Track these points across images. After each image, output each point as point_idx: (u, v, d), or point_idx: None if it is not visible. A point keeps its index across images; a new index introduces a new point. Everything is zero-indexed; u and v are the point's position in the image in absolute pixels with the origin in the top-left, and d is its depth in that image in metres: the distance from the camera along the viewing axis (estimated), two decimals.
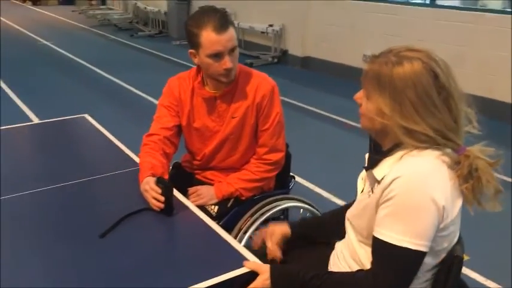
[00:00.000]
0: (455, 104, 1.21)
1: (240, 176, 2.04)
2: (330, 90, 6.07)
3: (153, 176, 1.74)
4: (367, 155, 1.42)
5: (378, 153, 1.32)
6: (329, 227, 1.67)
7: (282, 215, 2.21)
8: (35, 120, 5.00)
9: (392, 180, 1.19)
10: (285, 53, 7.67)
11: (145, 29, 11.05)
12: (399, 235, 1.18)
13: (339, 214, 1.61)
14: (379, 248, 1.22)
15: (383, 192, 1.22)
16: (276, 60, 7.70)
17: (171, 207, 1.61)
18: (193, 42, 1.86)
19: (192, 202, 1.95)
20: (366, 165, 1.38)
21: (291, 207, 2.12)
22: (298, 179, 3.64)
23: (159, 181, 1.63)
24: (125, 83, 6.58)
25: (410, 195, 1.17)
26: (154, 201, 1.62)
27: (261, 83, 1.99)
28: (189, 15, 1.88)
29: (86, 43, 9.92)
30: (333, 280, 1.28)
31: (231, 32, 1.84)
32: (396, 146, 1.26)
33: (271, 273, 1.33)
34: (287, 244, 1.67)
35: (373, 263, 1.24)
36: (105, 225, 1.52)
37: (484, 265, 2.64)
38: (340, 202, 3.30)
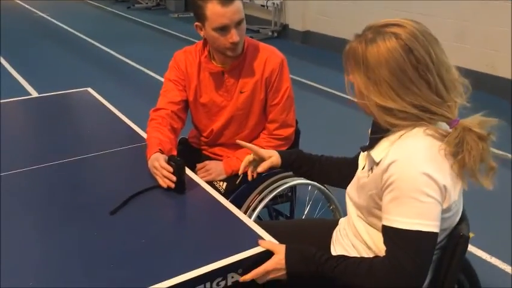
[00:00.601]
0: (436, 77, 1.17)
1: None
2: (330, 65, 5.99)
3: (161, 152, 1.70)
4: (369, 131, 1.39)
5: (376, 133, 1.29)
6: (322, 171, 1.62)
7: (290, 192, 2.19)
8: (33, 92, 4.93)
9: (390, 164, 1.17)
10: (285, 27, 7.56)
11: (142, 1, 10.85)
12: (407, 218, 1.16)
13: (337, 163, 1.61)
14: (390, 235, 1.19)
15: (382, 176, 1.19)
16: (275, 34, 7.59)
17: (183, 186, 1.57)
18: (199, 15, 1.81)
19: (201, 178, 1.92)
20: (366, 145, 1.35)
21: (299, 184, 2.09)
22: None
23: (171, 159, 1.58)
24: (121, 55, 6.48)
25: (409, 178, 1.15)
26: (165, 180, 1.58)
27: (270, 56, 1.94)
28: None
29: (81, 15, 9.74)
30: (348, 264, 1.25)
31: (237, 4, 1.77)
32: (394, 126, 1.22)
33: (287, 254, 1.30)
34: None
35: (387, 251, 1.21)
36: (113, 203, 1.49)
37: (489, 243, 2.64)
38: None
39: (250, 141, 2.04)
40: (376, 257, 1.31)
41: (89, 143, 1.97)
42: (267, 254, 1.30)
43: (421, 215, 1.15)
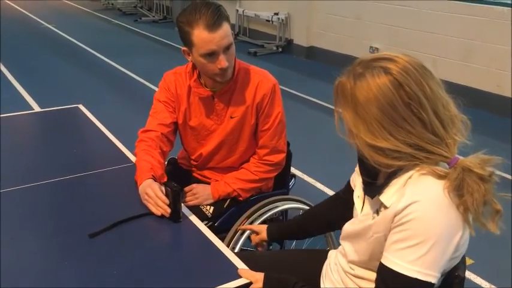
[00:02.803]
0: (431, 115, 1.08)
1: (239, 176, 1.94)
2: (334, 81, 5.94)
3: (153, 177, 1.64)
4: (357, 169, 1.33)
5: (366, 173, 1.22)
6: (309, 228, 1.67)
7: (281, 216, 2.13)
8: (34, 105, 4.92)
9: (409, 205, 1.07)
10: (289, 42, 7.53)
11: (149, 14, 10.91)
12: (408, 264, 1.08)
13: (319, 214, 1.64)
14: (385, 275, 1.12)
15: (394, 218, 1.11)
16: (280, 49, 7.56)
17: (178, 214, 1.50)
18: (186, 41, 1.74)
19: (187, 202, 1.86)
20: (364, 187, 1.27)
21: (289, 208, 2.03)
22: (299, 173, 3.56)
23: (167, 185, 1.51)
24: (126, 69, 6.48)
25: (430, 223, 1.06)
26: (159, 209, 1.52)
27: (262, 81, 1.88)
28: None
29: (88, 27, 9.78)
30: None
31: (225, 29, 1.69)
32: (399, 170, 1.14)
33: (264, 283, 1.26)
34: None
35: None
36: (96, 226, 1.44)
37: (488, 270, 2.56)
38: None
39: (239, 165, 1.99)
40: None
41: (74, 163, 1.91)
42: None
43: (424, 264, 1.07)
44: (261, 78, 1.88)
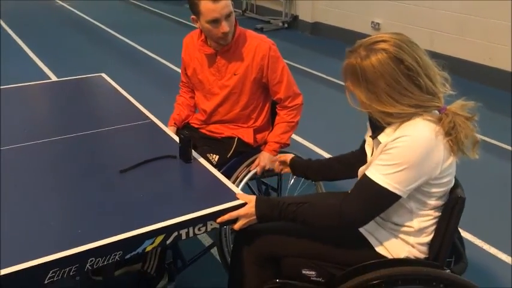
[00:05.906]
0: (425, 79, 1.38)
1: (280, 131, 2.32)
2: (338, 56, 6.08)
3: (175, 124, 2.36)
4: (368, 124, 1.65)
5: (375, 125, 1.52)
6: (329, 170, 1.91)
7: None
8: (53, 77, 5.24)
9: (396, 138, 1.38)
10: (295, 18, 7.77)
11: None
12: (382, 176, 1.40)
13: (338, 161, 1.90)
14: (362, 181, 1.45)
15: (385, 146, 1.41)
16: (286, 25, 7.81)
17: (189, 156, 1.87)
18: (194, 10, 2.14)
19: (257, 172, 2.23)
20: (371, 134, 1.58)
21: None
22: (301, 141, 3.84)
23: (181, 132, 1.89)
24: (138, 45, 6.78)
25: (409, 153, 1.36)
26: None
27: (259, 44, 2.25)
28: None
29: (100, 4, 10.03)
30: (307, 206, 1.52)
31: (226, 0, 2.08)
32: (394, 124, 1.45)
33: (256, 202, 1.58)
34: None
35: (350, 191, 1.47)
36: (125, 165, 1.80)
37: (477, 226, 2.76)
38: None
39: (239, 118, 2.34)
40: (332, 198, 1.55)
41: (101, 119, 2.29)
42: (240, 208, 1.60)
43: (394, 179, 1.39)
44: (259, 41, 2.26)
